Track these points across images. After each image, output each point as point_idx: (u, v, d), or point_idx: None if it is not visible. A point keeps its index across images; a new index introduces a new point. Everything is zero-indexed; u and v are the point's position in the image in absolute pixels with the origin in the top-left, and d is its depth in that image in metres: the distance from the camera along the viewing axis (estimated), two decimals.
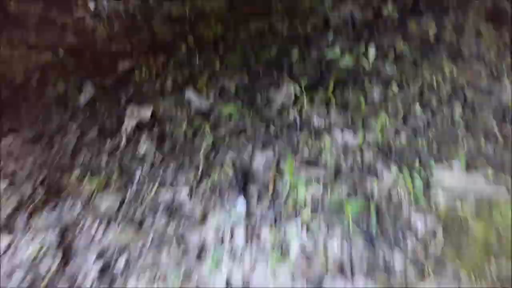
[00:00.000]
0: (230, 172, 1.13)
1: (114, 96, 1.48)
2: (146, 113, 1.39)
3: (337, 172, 1.08)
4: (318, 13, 1.82)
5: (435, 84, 1.32)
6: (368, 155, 1.11)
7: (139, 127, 1.34)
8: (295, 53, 1.56)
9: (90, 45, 1.77)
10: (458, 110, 1.23)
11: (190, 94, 1.45)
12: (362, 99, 1.29)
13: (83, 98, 1.48)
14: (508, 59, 1.42)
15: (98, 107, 1.45)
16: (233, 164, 1.16)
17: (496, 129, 1.16)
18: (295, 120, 1.27)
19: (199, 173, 1.15)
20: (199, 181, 1.13)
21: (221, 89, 1.46)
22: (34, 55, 1.72)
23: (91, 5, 2.10)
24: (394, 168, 1.07)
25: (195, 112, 1.38)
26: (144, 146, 1.27)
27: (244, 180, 1.10)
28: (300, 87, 1.36)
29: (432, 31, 1.55)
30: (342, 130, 1.19)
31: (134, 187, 1.13)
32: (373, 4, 1.79)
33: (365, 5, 1.78)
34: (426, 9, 1.76)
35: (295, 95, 1.34)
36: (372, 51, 1.46)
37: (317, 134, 1.21)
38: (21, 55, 1.73)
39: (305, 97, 1.33)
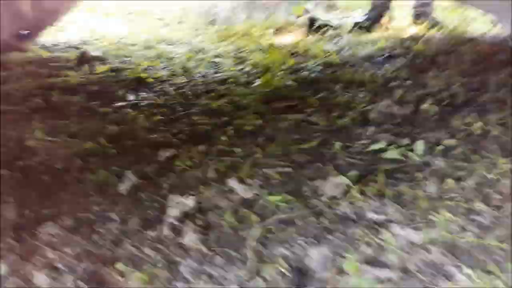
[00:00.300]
0: (284, 270, 1.05)
1: (155, 184, 1.46)
2: (189, 202, 1.34)
3: (404, 272, 0.99)
4: (354, 107, 1.86)
5: (492, 179, 1.28)
6: (435, 254, 1.03)
7: (183, 216, 1.29)
8: (336, 144, 1.56)
9: (130, 134, 1.81)
10: None
11: (233, 183, 1.42)
12: (418, 193, 1.25)
13: (124, 186, 1.46)
14: None
15: (139, 195, 1.41)
16: (286, 261, 1.08)
17: None
18: (347, 213, 1.21)
19: (249, 269, 1.07)
20: (250, 279, 1.04)
21: (265, 178, 1.43)
22: (75, 143, 1.74)
23: (131, 96, 2.19)
24: (466, 269, 0.98)
25: (240, 202, 1.34)
26: (189, 237, 1.21)
27: (300, 279, 1.01)
28: (349, 178, 1.32)
29: (477, 125, 1.56)
30: (401, 226, 1.12)
31: (181, 284, 1.04)
32: (410, 99, 1.84)
33: (403, 100, 1.83)
34: (465, 104, 1.80)
35: (345, 187, 1.30)
36: (420, 145, 1.44)
37: (375, 229, 1.14)
38: (62, 143, 1.75)
39: (355, 189, 1.28)
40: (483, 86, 2.02)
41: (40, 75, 2.53)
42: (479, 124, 1.57)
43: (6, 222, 1.32)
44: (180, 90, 2.27)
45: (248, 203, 1.33)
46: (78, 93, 2.21)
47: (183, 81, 2.41)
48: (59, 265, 1.16)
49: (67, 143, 1.73)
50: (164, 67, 2.71)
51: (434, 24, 3.31)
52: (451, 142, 1.49)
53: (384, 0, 3.53)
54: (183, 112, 1.99)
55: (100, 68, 2.57)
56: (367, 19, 3.66)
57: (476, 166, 1.35)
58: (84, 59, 2.71)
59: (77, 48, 3.23)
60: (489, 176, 1.30)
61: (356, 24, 3.62)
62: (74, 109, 2.05)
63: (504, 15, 1.79)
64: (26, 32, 2.23)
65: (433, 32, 3.20)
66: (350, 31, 3.46)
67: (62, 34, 3.58)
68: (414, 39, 3.10)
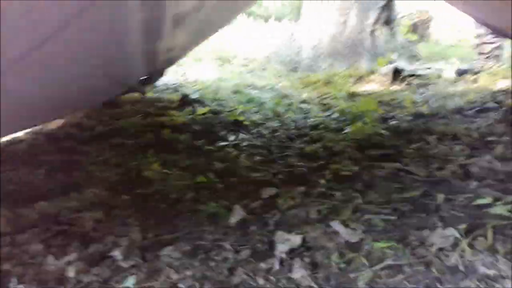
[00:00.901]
0: None
1: (262, 220, 1.57)
2: (296, 239, 1.43)
3: None
4: (453, 160, 1.88)
5: None
6: None
7: (291, 252, 1.38)
8: (440, 196, 1.58)
9: (234, 171, 1.97)
10: None
11: (336, 225, 1.49)
12: None
13: (234, 219, 1.59)
14: None
15: (248, 229, 1.53)
16: None
17: None
18: (457, 265, 1.23)
19: None
20: None
21: (368, 224, 1.48)
22: (187, 176, 1.93)
23: (231, 137, 2.38)
24: None
25: (345, 245, 1.40)
26: (298, 272, 1.29)
27: None
28: (457, 230, 1.34)
29: None
30: None
31: None
32: (510, 156, 1.82)
33: (504, 156, 1.82)
34: None
35: (454, 239, 1.32)
36: None
37: (487, 284, 1.14)
38: (175, 175, 1.95)
39: (464, 242, 1.30)
40: None
41: (149, 113, 2.84)
42: None
43: (133, 243, 1.50)
44: (274, 134, 2.42)
45: (353, 247, 1.39)
46: (184, 132, 2.46)
47: (276, 125, 2.58)
48: (182, 286, 1.30)
49: (179, 176, 1.93)
50: (257, 111, 2.91)
51: None
52: None
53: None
54: (280, 154, 2.13)
55: (201, 110, 2.83)
56: (465, 71, 3.65)
57: None
58: (186, 101, 3.00)
59: (176, 90, 3.58)
60: None
61: (459, 73, 3.62)
62: (182, 146, 2.27)
63: None
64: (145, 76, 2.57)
65: None
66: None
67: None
68: (507, 92, 3.05)
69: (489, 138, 2.13)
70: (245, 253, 1.41)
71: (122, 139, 2.44)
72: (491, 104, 2.74)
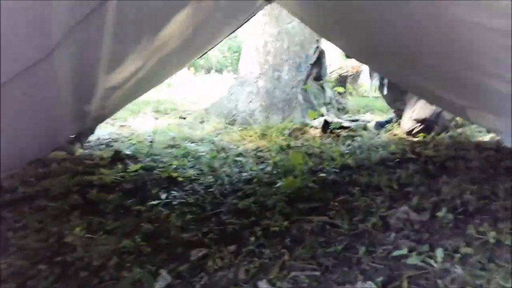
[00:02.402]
0: None
1: (189, 284, 1.54)
2: None
3: None
4: (375, 212, 1.98)
5: None
6: None
7: None
8: (361, 249, 1.65)
9: (164, 232, 1.92)
10: None
11: (263, 285, 1.49)
12: None
13: (159, 285, 1.54)
14: None
15: None
16: None
17: None
18: None
19: None
20: None
21: (294, 281, 1.50)
22: (112, 240, 1.85)
23: (163, 195, 2.35)
24: None
25: None
26: None
27: None
28: (375, 284, 1.39)
29: (491, 235, 1.66)
30: None
31: None
32: (426, 206, 1.96)
33: (420, 207, 1.96)
34: (477, 212, 1.92)
35: None
36: (439, 252, 1.54)
37: None
38: (99, 240, 1.87)
39: None
40: (492, 193, 2.15)
41: (77, 172, 2.74)
42: (493, 233, 1.67)
43: None
44: (208, 190, 2.43)
45: None
46: (113, 191, 2.39)
47: (211, 180, 2.59)
48: None
49: (104, 240, 1.85)
50: (192, 166, 2.91)
51: (444, 128, 3.56)
52: (468, 250, 1.58)
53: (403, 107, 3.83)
54: (212, 212, 2.13)
55: (133, 167, 2.78)
56: (387, 122, 3.95)
57: (493, 275, 1.42)
58: (118, 157, 2.93)
59: (109, 146, 3.50)
60: (506, 285, 1.36)
61: (379, 125, 3.90)
62: (110, 207, 2.20)
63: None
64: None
65: (441, 136, 3.43)
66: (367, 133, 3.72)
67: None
68: (424, 143, 3.33)
69: (407, 189, 2.29)
70: None
71: (45, 201, 2.31)
72: (410, 155, 2.97)
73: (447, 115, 3.52)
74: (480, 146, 3.18)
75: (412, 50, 1.70)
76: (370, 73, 4.42)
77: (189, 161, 3.00)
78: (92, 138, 3.63)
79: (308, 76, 4.64)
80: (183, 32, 1.88)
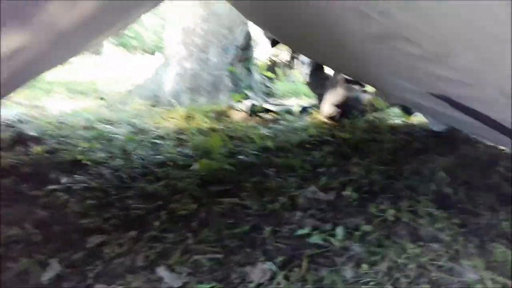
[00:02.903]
0: None
1: (81, 274, 1.42)
2: None
3: None
4: (285, 192, 1.98)
5: (401, 263, 1.40)
6: None
7: None
8: (267, 230, 1.64)
9: (59, 219, 1.77)
10: None
11: (161, 271, 1.42)
12: (335, 277, 1.33)
13: (47, 276, 1.40)
14: (461, 240, 1.56)
15: (62, 285, 1.36)
16: None
17: None
18: None
19: None
20: None
21: (195, 266, 1.45)
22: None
23: (64, 179, 2.17)
24: None
25: None
26: None
27: None
28: (275, 264, 1.38)
29: (390, 213, 1.72)
30: None
31: None
32: (334, 186, 2.00)
33: (328, 186, 1.99)
34: (381, 192, 1.99)
35: (271, 273, 1.35)
36: (339, 231, 1.56)
37: None
38: None
39: (281, 275, 1.34)
40: (398, 174, 2.25)
41: None
42: (392, 211, 1.74)
43: None
44: (116, 173, 2.28)
45: None
46: (9, 176, 2.15)
47: (120, 163, 2.44)
48: None
49: None
50: (102, 149, 2.73)
51: (361, 113, 3.69)
52: (368, 228, 1.62)
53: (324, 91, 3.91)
54: (117, 196, 2.00)
55: (36, 149, 2.54)
56: (310, 107, 4.01)
57: (388, 251, 1.47)
58: (19, 139, 2.66)
59: (13, 127, 3.18)
60: (399, 260, 1.42)
61: (303, 110, 3.95)
62: (3, 192, 1.98)
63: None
64: None
65: (358, 120, 3.55)
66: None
67: None
68: (341, 127, 3.42)
69: (320, 170, 2.32)
70: None
71: None
72: (327, 138, 3.03)
73: (364, 100, 3.65)
74: (393, 130, 3.34)
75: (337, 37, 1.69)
76: (299, 60, 4.47)
77: (100, 144, 2.81)
78: None
79: (235, 59, 4.57)
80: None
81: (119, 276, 1.41)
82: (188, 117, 3.92)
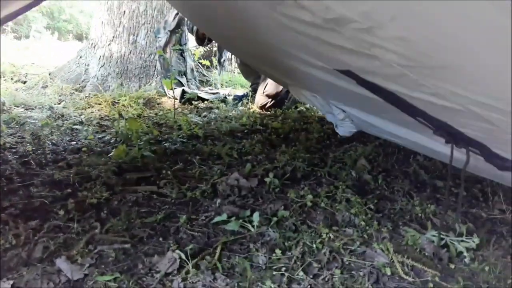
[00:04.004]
0: None
1: None
2: (4, 286, 1.18)
3: None
4: (207, 180, 1.91)
5: (314, 248, 1.40)
6: None
7: None
8: (182, 218, 1.56)
9: None
10: (337, 273, 1.28)
11: (61, 263, 1.29)
12: (247, 264, 1.29)
13: None
14: (375, 224, 1.59)
15: None
16: None
17: None
18: None
19: None
20: None
21: (99, 256, 1.34)
22: None
23: None
24: None
25: (67, 283, 1.21)
26: None
27: None
28: (186, 253, 1.31)
29: (309, 198, 1.72)
30: None
31: None
32: (258, 173, 1.96)
33: (251, 174, 1.95)
34: (303, 179, 1.99)
35: (180, 262, 1.28)
36: (256, 216, 1.52)
37: None
38: None
39: (190, 263, 1.27)
40: (321, 161, 2.27)
41: None
42: (310, 197, 1.74)
43: None
44: (23, 159, 2.07)
45: (76, 285, 1.21)
46: None
47: (29, 149, 2.22)
48: None
49: None
50: (12, 133, 2.48)
51: (293, 104, 3.71)
52: (285, 213, 1.61)
53: (258, 81, 3.88)
54: (22, 184, 1.81)
55: None
56: (244, 96, 3.97)
57: (303, 237, 1.46)
58: None
59: None
60: (313, 245, 1.41)
61: (237, 99, 3.90)
62: None
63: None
64: None
65: (290, 111, 3.57)
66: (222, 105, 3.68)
67: None
68: (273, 116, 3.41)
69: (246, 157, 2.28)
70: None
71: None
72: (258, 127, 3.01)
73: None
74: (323, 120, 3.39)
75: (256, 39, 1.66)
76: (218, 49, 4.46)
77: (10, 128, 2.55)
78: None
79: (167, 43, 4.38)
80: None
81: (12, 270, 1.26)
82: (114, 103, 3.71)
